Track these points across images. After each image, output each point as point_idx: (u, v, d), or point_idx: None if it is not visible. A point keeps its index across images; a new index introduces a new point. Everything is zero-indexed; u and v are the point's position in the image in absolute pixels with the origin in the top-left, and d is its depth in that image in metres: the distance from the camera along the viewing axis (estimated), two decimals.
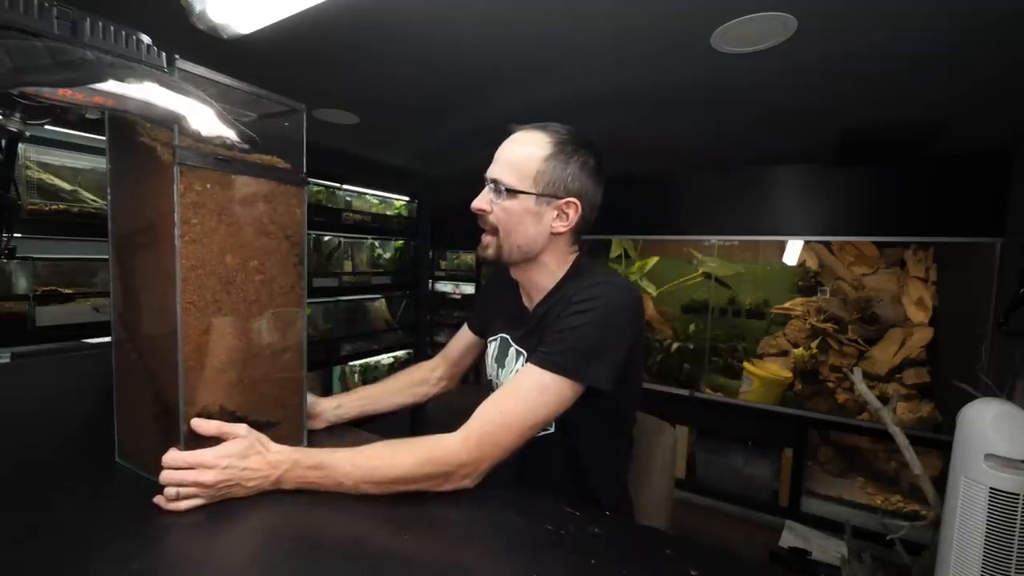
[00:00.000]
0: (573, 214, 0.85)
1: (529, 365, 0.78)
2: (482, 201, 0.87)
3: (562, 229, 0.86)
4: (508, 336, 0.96)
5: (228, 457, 0.68)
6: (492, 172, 0.86)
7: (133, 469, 0.77)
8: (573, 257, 0.92)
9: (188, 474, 0.66)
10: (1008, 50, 1.18)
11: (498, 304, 1.03)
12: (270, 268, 0.80)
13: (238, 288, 0.75)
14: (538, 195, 0.83)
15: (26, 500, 0.68)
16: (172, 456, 0.67)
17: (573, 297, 0.80)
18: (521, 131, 0.88)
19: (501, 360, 0.96)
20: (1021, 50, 1.18)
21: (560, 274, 0.90)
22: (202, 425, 0.69)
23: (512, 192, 0.84)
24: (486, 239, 0.89)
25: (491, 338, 1.02)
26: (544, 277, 0.90)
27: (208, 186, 0.70)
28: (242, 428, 0.71)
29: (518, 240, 0.86)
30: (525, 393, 0.76)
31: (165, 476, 0.65)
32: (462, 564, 0.59)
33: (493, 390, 0.93)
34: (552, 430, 0.87)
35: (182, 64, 0.64)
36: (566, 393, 0.76)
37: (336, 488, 0.71)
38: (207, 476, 0.66)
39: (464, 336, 1.16)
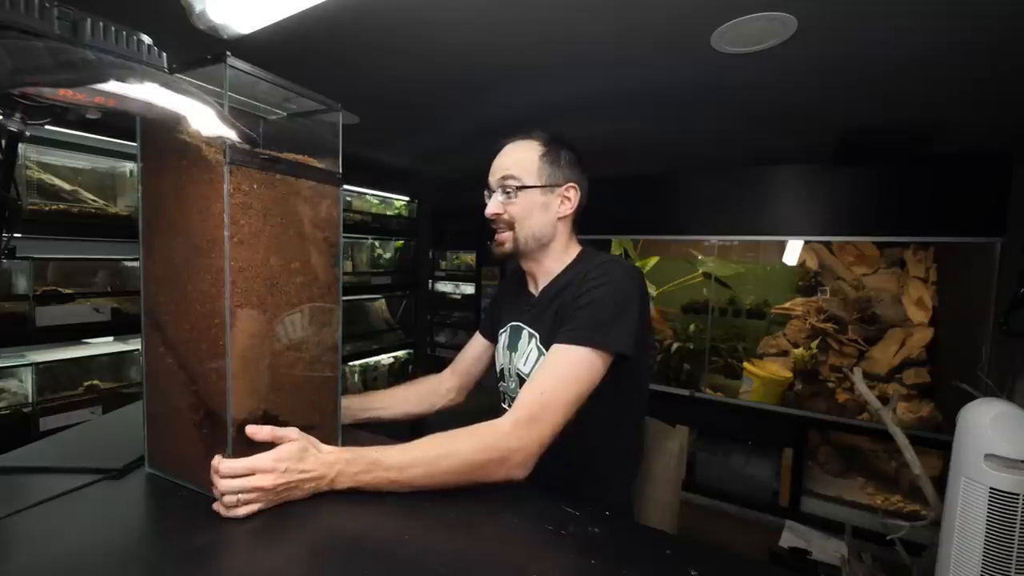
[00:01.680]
0: (575, 196, 0.98)
1: (557, 345, 0.83)
2: (494, 206, 0.98)
3: (567, 212, 0.98)
4: (518, 322, 1.02)
5: (285, 461, 0.67)
6: (497, 177, 0.97)
7: (166, 478, 0.76)
8: (576, 245, 1.02)
9: (248, 480, 0.65)
10: (1008, 50, 1.18)
11: (506, 300, 1.12)
12: (310, 270, 0.79)
13: (281, 290, 0.74)
14: (543, 186, 0.95)
15: None
16: (229, 465, 0.65)
17: (588, 274, 0.89)
18: (511, 142, 1.00)
19: (514, 345, 1.01)
20: (1021, 50, 1.18)
21: (567, 258, 1.00)
22: (258, 432, 0.68)
23: (522, 188, 0.95)
24: (502, 236, 0.99)
25: (501, 330, 1.07)
26: (551, 261, 1.00)
27: (254, 187, 0.69)
28: (294, 431, 0.71)
29: (532, 229, 0.96)
30: (559, 370, 0.81)
31: (225, 485, 0.64)
32: (462, 564, 0.59)
33: (506, 378, 1.03)
34: None
35: (232, 61, 0.65)
36: (596, 363, 0.82)
37: (389, 486, 0.72)
38: (266, 481, 0.65)
39: (474, 345, 1.19)
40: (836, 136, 1.99)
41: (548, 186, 0.96)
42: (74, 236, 1.75)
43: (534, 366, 0.94)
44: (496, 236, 1.00)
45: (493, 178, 0.99)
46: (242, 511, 0.64)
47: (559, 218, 0.98)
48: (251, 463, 0.65)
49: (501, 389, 1.07)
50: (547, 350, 0.89)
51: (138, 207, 0.75)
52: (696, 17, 1.11)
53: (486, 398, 1.14)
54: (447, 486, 0.73)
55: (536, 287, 1.03)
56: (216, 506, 0.65)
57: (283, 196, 0.74)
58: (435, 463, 0.72)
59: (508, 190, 0.96)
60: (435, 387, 1.18)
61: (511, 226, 0.97)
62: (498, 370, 1.08)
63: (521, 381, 0.97)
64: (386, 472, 0.71)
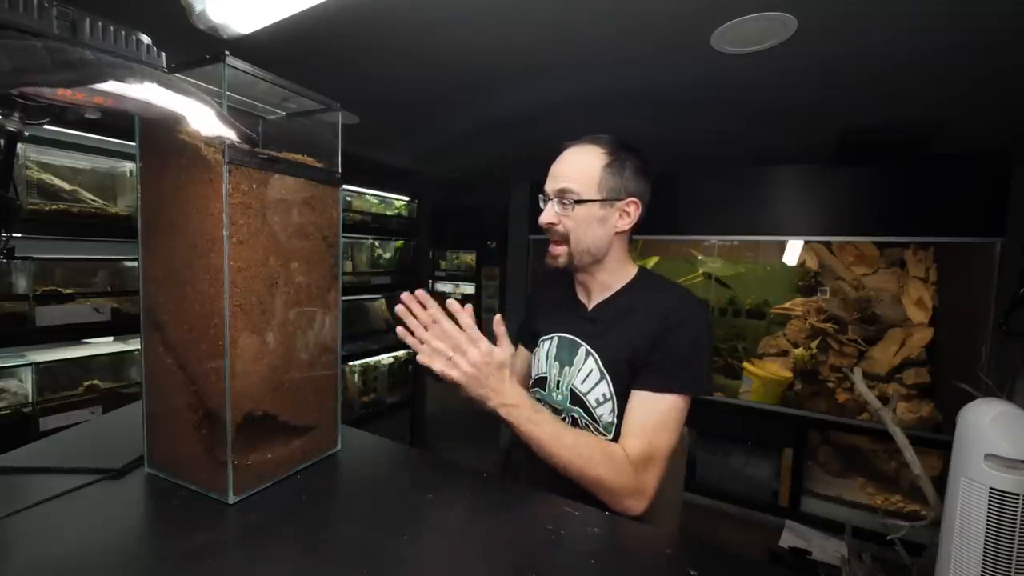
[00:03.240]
0: (634, 212, 0.93)
1: (653, 395, 0.85)
2: (550, 215, 0.93)
3: (625, 227, 0.94)
4: (571, 335, 0.98)
5: (488, 362, 0.78)
6: (555, 186, 0.93)
7: (166, 478, 0.76)
8: (632, 262, 1.00)
9: (462, 343, 0.78)
10: (1007, 50, 1.18)
11: (550, 306, 1.07)
12: (310, 270, 0.79)
13: (280, 290, 0.74)
14: (603, 200, 0.90)
15: None
16: (453, 327, 0.79)
17: (671, 310, 0.88)
18: (575, 146, 0.95)
19: (566, 359, 0.97)
20: (1020, 50, 1.18)
21: (624, 275, 0.97)
22: (461, 311, 0.80)
23: (580, 201, 0.90)
24: (556, 249, 0.95)
25: (544, 337, 1.03)
26: (608, 276, 0.97)
27: (254, 186, 0.68)
28: (506, 348, 0.82)
29: (588, 244, 0.92)
30: (671, 422, 0.84)
31: (446, 329, 0.79)
32: (462, 564, 0.59)
33: (550, 388, 1.00)
34: (611, 436, 0.90)
35: (231, 61, 0.65)
36: (687, 407, 0.86)
37: (533, 442, 0.80)
38: (474, 355, 0.78)
39: (522, 360, 1.12)
40: (836, 136, 1.99)
41: (608, 200, 0.91)
42: (74, 236, 1.75)
43: (595, 386, 0.92)
44: (550, 247, 0.96)
45: (550, 185, 0.94)
46: (438, 365, 0.78)
47: (616, 233, 0.94)
48: (474, 335, 0.79)
49: (537, 396, 1.01)
50: (608, 371, 0.90)
51: (137, 207, 0.75)
52: (696, 17, 1.11)
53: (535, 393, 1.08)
54: (566, 475, 0.80)
55: (589, 299, 0.99)
56: (421, 359, 0.80)
57: (282, 196, 0.74)
58: (576, 458, 0.79)
59: (566, 202, 0.91)
60: None
61: (566, 239, 0.93)
62: (535, 376, 1.03)
63: (574, 397, 0.94)
64: (544, 430, 0.80)
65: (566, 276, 1.03)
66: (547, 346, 1.02)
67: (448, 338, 0.79)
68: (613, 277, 0.97)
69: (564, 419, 0.95)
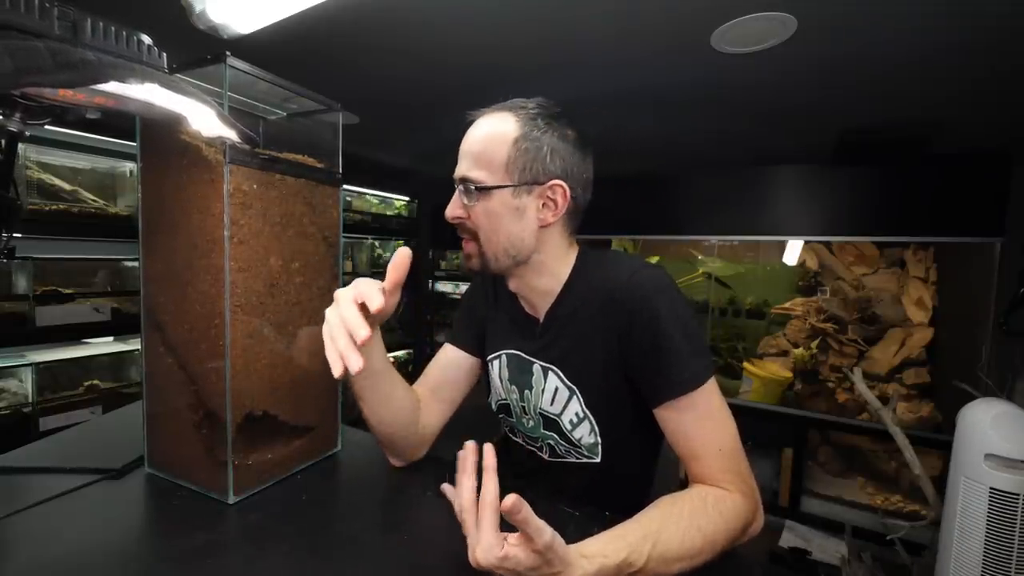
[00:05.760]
0: (560, 199, 0.72)
1: (683, 399, 0.67)
2: (455, 208, 0.74)
3: (551, 219, 0.73)
4: (521, 352, 0.81)
5: (511, 567, 0.48)
6: (459, 171, 0.73)
7: (166, 478, 0.76)
8: (574, 252, 0.79)
9: (471, 539, 0.51)
10: (1007, 50, 1.18)
11: (491, 316, 0.89)
12: (309, 270, 0.79)
13: (280, 290, 0.74)
14: (514, 186, 0.70)
15: None
16: (494, 551, 0.48)
17: (637, 304, 0.69)
18: (482, 116, 0.74)
19: (523, 381, 0.81)
20: (1021, 50, 1.18)
21: (563, 272, 0.77)
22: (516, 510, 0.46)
23: (484, 189, 0.70)
24: (468, 247, 0.76)
25: (492, 356, 0.87)
26: (545, 280, 0.77)
27: (254, 186, 0.69)
28: (546, 536, 0.48)
29: (502, 243, 0.73)
30: (717, 417, 0.68)
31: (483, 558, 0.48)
32: (461, 564, 0.59)
33: (517, 415, 0.84)
34: (598, 459, 0.76)
35: (231, 61, 0.65)
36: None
37: None
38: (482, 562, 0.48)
39: (457, 364, 0.89)
40: (836, 136, 1.99)
41: (522, 185, 0.70)
42: (74, 236, 1.75)
43: (566, 406, 0.76)
44: (463, 246, 0.77)
45: (457, 168, 0.74)
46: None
47: (542, 226, 0.73)
48: (503, 556, 0.48)
49: (506, 423, 0.89)
50: (577, 385, 0.75)
51: (138, 207, 0.75)
52: (696, 17, 1.11)
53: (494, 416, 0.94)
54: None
55: (535, 309, 0.81)
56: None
57: (283, 196, 0.74)
58: (696, 557, 0.57)
59: (469, 190, 0.71)
60: (418, 417, 0.82)
61: (475, 237, 0.74)
62: (497, 402, 0.88)
63: (547, 421, 0.79)
64: (654, 567, 0.54)
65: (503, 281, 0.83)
66: (497, 366, 0.85)
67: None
68: (552, 279, 0.77)
69: (539, 447, 0.82)
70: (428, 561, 0.59)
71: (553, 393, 0.77)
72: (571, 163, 0.72)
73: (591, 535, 0.54)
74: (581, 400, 0.75)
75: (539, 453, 0.83)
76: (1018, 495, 1.00)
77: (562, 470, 0.80)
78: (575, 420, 0.76)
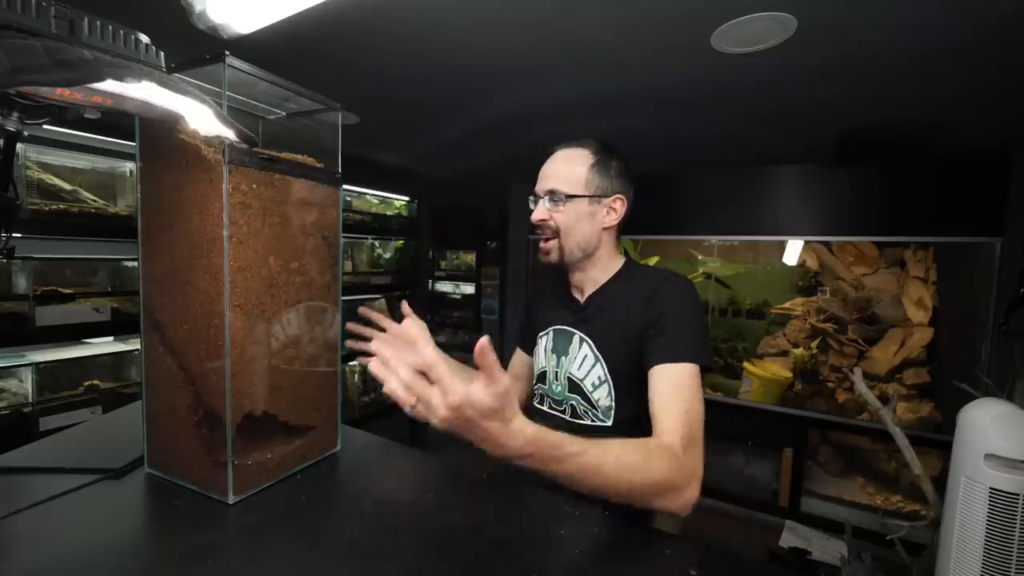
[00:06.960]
0: (620, 208, 0.98)
1: (669, 365, 0.83)
2: (540, 212, 0.97)
3: (613, 223, 0.98)
4: (564, 325, 1.02)
5: (473, 406, 0.53)
6: (546, 186, 0.97)
7: (166, 478, 0.76)
8: (619, 256, 1.03)
9: (430, 393, 0.55)
10: (1008, 50, 1.18)
11: (545, 306, 1.11)
12: (309, 270, 0.79)
13: (280, 290, 0.74)
14: (590, 196, 0.95)
15: None
16: (439, 370, 0.54)
17: (659, 290, 0.91)
18: (563, 149, 1.00)
19: (562, 349, 1.01)
20: (1021, 50, 1.18)
21: (612, 268, 1.01)
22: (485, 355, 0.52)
23: (570, 197, 0.95)
24: (548, 244, 0.99)
25: (542, 332, 1.07)
26: (598, 272, 1.01)
27: (254, 186, 0.69)
28: (504, 383, 0.54)
29: (577, 239, 0.96)
30: (691, 391, 0.81)
31: (406, 379, 0.56)
32: (461, 565, 0.59)
33: (549, 381, 1.03)
34: (610, 423, 0.92)
35: (231, 61, 0.65)
36: (701, 381, 0.85)
37: (569, 481, 0.62)
38: (444, 411, 0.54)
39: (522, 363, 1.16)
40: (836, 136, 1.99)
41: (595, 196, 0.96)
42: (74, 236, 1.75)
43: (590, 371, 0.95)
44: (541, 244, 1.00)
45: (541, 185, 0.99)
46: (421, 414, 0.55)
47: (604, 228, 0.98)
48: (445, 380, 0.54)
49: (539, 392, 1.07)
50: (602, 353, 0.93)
51: (137, 207, 0.75)
52: (696, 17, 1.11)
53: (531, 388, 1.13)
54: (616, 499, 0.65)
55: (582, 294, 1.03)
56: (408, 409, 0.56)
57: (282, 196, 0.74)
58: (626, 472, 0.64)
59: (556, 198, 0.96)
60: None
61: (556, 234, 0.97)
62: (537, 372, 1.08)
63: (572, 385, 0.98)
64: (573, 463, 0.61)
65: (561, 277, 1.06)
66: (544, 341, 1.06)
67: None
68: (603, 272, 1.01)
69: (563, 409, 1.00)
70: (428, 561, 0.59)
71: (582, 360, 0.97)
72: (626, 184, 0.99)
73: (591, 535, 0.54)
74: (605, 367, 0.93)
75: (562, 416, 0.99)
76: (1018, 495, 1.00)
77: (578, 432, 0.81)
78: (596, 383, 0.94)
